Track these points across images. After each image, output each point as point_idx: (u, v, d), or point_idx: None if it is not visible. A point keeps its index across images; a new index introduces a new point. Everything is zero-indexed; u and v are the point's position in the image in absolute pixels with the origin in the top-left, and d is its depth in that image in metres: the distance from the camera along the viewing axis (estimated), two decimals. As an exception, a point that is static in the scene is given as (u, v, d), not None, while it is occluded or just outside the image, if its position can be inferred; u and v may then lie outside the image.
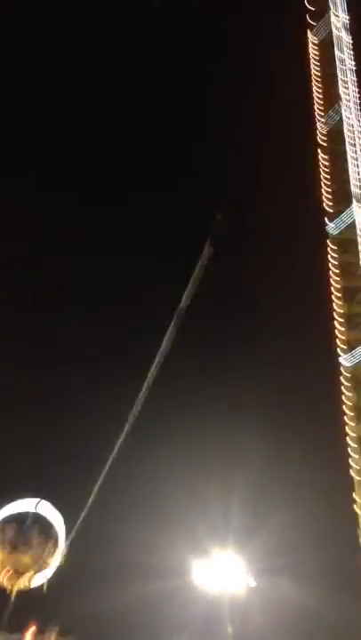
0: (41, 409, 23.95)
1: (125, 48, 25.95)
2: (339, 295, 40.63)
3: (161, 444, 21.79)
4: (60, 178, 24.87)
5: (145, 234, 23.79)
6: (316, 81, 51.15)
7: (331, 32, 51.53)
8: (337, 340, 37.08)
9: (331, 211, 44.57)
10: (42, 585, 15.98)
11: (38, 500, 16.11)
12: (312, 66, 52.06)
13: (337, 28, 52.14)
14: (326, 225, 42.73)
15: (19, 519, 16.25)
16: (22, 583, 15.84)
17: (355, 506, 24.53)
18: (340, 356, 35.98)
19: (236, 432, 21.90)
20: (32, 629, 14.50)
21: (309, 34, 52.16)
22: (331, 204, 45.33)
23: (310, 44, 52.74)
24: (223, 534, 16.14)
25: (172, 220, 22.91)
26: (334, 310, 39.35)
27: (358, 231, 43.07)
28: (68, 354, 24.89)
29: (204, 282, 19.68)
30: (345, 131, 47.20)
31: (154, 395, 21.34)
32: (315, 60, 52.44)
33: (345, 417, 33.72)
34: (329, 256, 42.35)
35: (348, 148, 46.56)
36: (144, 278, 23.49)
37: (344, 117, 47.72)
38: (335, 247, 43.77)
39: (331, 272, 41.30)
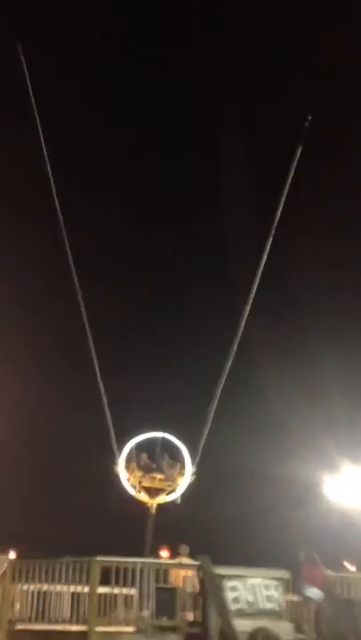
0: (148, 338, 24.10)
1: None
2: None
3: (281, 357, 21.74)
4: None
5: (233, 134, 22.85)
6: None
7: None
8: None
9: None
10: (176, 499, 17.76)
11: (162, 432, 17.72)
12: None
13: None
14: None
15: (148, 447, 18.07)
16: (159, 499, 17.55)
17: None
18: None
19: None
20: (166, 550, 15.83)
21: None
22: None
23: None
24: (353, 448, 16.73)
25: (260, 122, 21.72)
26: None
27: None
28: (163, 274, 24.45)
29: (294, 187, 19.16)
30: None
31: (266, 305, 20.72)
32: None
33: None
34: None
35: None
36: (231, 182, 22.68)
37: None
38: None
39: None
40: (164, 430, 18.89)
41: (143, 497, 18.04)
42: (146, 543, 17.17)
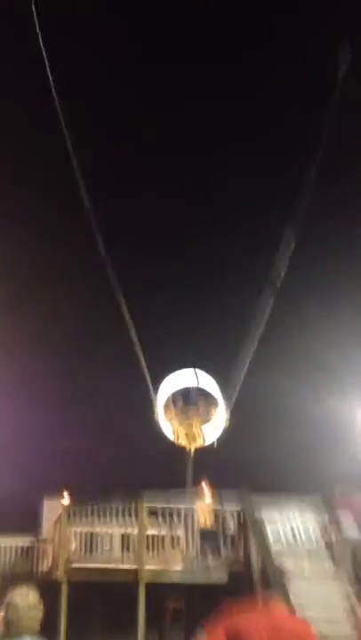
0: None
1: None
2: None
3: (319, 294, 21.26)
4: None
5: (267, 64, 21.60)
6: None
7: None
8: None
9: None
10: (212, 443, 18.49)
11: (194, 370, 18.04)
12: None
13: None
14: None
15: (184, 391, 18.70)
16: (197, 443, 18.34)
17: None
18: None
19: None
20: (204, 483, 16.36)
21: None
22: None
23: None
24: None
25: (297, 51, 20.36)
26: None
27: None
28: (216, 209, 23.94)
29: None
30: None
31: (306, 243, 19.94)
32: None
33: None
34: None
35: None
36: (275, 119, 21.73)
37: None
38: None
39: None
40: (200, 369, 19.21)
41: (182, 441, 18.78)
42: (187, 484, 18.00)
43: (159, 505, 12.79)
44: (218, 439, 19.02)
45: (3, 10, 17.41)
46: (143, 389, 18.74)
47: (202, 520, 12.76)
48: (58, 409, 19.16)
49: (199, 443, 18.96)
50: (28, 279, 19.73)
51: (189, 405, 19.00)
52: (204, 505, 13.28)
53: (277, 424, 20.83)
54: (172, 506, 12.50)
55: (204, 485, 14.91)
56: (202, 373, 19.09)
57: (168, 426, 18.70)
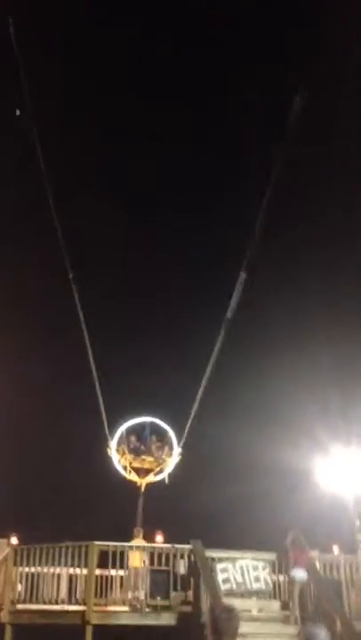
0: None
1: None
2: None
3: (272, 343, 21.54)
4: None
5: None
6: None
7: None
8: None
9: None
10: (164, 478, 18.42)
11: (150, 417, 18.43)
12: None
13: None
14: None
15: (137, 431, 18.71)
16: (148, 479, 18.24)
17: None
18: None
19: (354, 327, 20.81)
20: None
21: None
22: None
23: None
24: (345, 433, 16.62)
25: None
26: None
27: None
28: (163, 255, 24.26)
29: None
30: None
31: (255, 283, 20.15)
32: None
33: None
34: None
35: None
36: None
37: None
38: None
39: None
40: (153, 414, 19.56)
41: (133, 477, 18.75)
42: (137, 520, 17.93)
43: (109, 544, 12.70)
44: (169, 475, 19.06)
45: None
46: (98, 427, 18.68)
47: (138, 562, 12.75)
48: (6, 446, 18.81)
49: (150, 478, 18.98)
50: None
51: (142, 441, 19.06)
52: (145, 546, 13.31)
53: (233, 471, 21.07)
54: (121, 545, 12.44)
55: (157, 535, 14.92)
56: (158, 421, 19.29)
57: (120, 460, 18.65)
